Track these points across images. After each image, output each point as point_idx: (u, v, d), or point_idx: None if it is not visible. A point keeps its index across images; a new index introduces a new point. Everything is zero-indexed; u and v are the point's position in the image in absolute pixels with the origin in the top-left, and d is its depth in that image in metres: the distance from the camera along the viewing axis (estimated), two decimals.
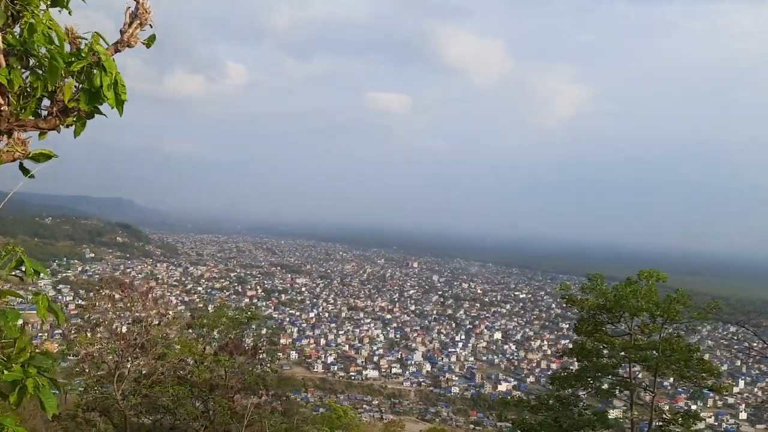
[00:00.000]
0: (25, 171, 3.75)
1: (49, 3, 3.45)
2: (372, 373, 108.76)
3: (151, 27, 3.89)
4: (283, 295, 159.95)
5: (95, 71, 3.37)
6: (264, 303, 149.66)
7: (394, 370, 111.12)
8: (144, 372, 13.98)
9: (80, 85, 3.45)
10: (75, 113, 3.57)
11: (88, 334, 13.95)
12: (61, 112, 3.54)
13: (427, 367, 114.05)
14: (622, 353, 15.51)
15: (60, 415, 13.75)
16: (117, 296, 14.49)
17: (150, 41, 3.90)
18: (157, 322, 14.35)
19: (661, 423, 15.40)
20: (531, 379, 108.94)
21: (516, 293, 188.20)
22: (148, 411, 13.88)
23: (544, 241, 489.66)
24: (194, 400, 13.88)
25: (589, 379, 16.19)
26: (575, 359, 17.57)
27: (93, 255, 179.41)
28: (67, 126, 3.65)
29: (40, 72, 3.34)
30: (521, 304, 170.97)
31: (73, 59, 3.35)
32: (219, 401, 13.41)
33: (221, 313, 16.78)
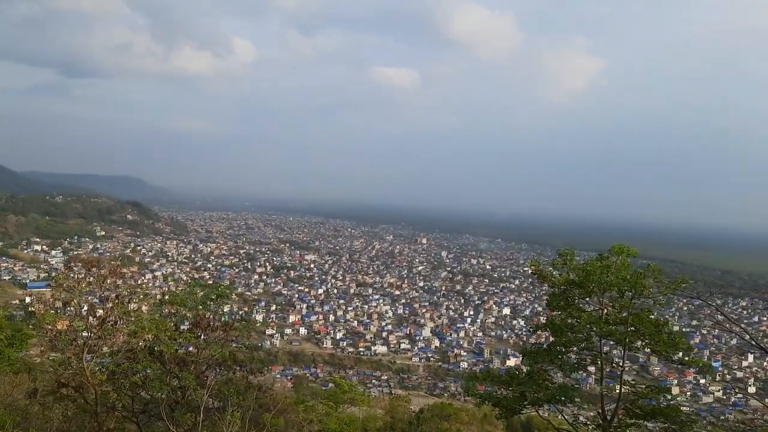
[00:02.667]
0: None
1: None
2: (381, 349, 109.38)
3: None
4: (292, 272, 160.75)
5: None
6: (273, 280, 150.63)
7: (402, 346, 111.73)
8: (116, 349, 14.03)
9: None
10: None
11: (57, 311, 14.02)
12: None
13: (436, 342, 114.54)
14: (589, 327, 15.48)
15: (38, 391, 13.86)
16: (85, 274, 14.44)
17: None
18: (128, 300, 14.33)
19: (632, 396, 15.44)
20: None
21: (525, 269, 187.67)
22: (125, 387, 13.92)
23: (554, 217, 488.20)
24: (167, 377, 13.91)
25: (558, 354, 16.22)
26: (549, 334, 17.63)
27: (104, 233, 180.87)
28: None
29: None
30: (530, 280, 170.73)
31: None
32: (187, 377, 13.40)
33: (192, 290, 16.71)
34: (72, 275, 15.15)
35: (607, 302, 16.09)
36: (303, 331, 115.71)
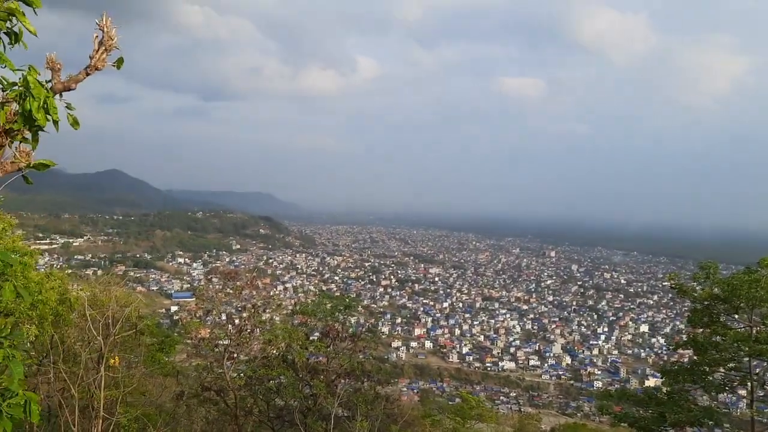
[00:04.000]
0: (27, 180, 4.21)
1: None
2: (508, 365, 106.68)
3: (118, 49, 4.47)
4: (416, 285, 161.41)
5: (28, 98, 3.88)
6: (398, 293, 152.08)
7: (531, 362, 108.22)
8: (252, 356, 14.66)
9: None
10: (17, 133, 4.09)
11: (200, 320, 14.97)
12: (5, 133, 4.07)
13: (567, 359, 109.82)
14: (736, 345, 13.96)
15: (183, 394, 14.73)
16: (225, 285, 15.30)
17: (119, 63, 4.48)
18: (262, 309, 14.95)
19: None
20: None
21: (664, 283, 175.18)
22: (260, 393, 14.47)
23: (695, 228, 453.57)
24: (300, 384, 14.27)
25: (701, 374, 14.82)
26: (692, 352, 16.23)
27: (239, 246, 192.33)
28: (11, 143, 4.12)
29: None
30: (670, 295, 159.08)
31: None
32: (318, 385, 13.62)
33: (322, 301, 17.11)
34: (211, 287, 16.16)
35: (757, 319, 14.79)
36: (428, 344, 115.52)
